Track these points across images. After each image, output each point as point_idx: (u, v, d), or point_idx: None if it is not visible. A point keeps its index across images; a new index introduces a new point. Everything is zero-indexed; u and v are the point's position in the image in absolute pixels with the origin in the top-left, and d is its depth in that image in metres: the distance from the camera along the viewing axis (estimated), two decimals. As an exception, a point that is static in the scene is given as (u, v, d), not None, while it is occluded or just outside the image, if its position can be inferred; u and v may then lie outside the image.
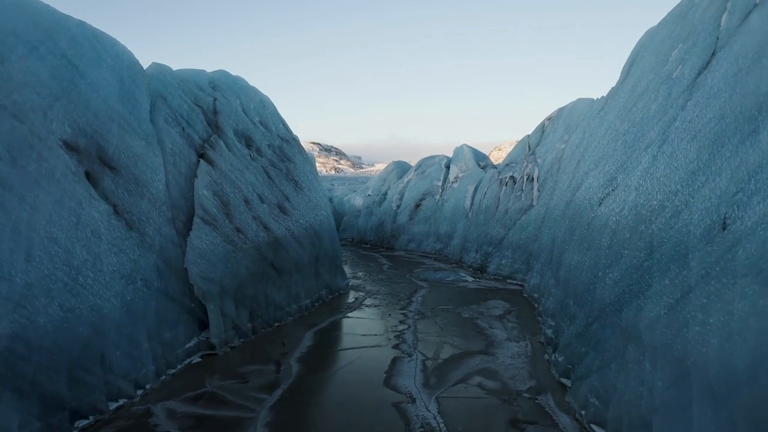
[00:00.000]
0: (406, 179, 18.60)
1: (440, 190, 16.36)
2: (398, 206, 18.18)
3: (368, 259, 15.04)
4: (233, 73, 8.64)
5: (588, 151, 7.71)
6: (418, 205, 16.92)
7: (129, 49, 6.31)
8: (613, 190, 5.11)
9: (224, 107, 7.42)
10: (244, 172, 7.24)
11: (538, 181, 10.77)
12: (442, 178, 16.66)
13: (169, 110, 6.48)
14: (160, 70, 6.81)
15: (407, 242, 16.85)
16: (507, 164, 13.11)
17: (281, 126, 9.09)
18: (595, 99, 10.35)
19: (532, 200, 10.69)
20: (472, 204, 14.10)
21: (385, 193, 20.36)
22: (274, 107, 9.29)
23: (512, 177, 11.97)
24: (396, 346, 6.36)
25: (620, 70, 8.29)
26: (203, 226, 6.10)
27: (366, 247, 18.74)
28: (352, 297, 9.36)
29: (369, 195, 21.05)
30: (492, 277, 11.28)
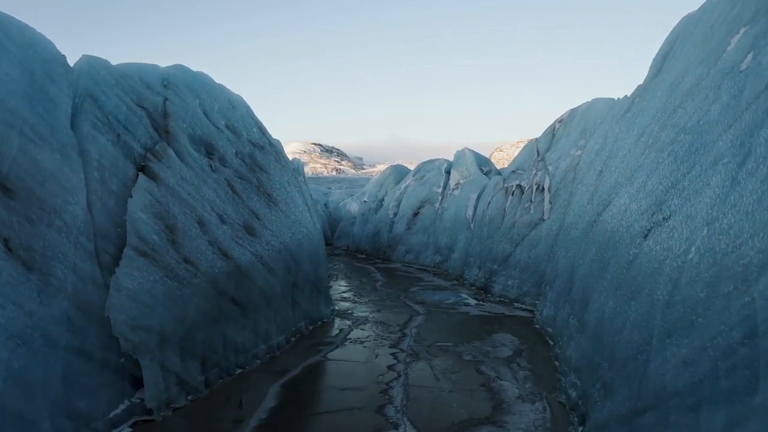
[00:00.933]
0: (403, 185, 17.33)
1: (440, 198, 15.09)
2: (395, 214, 16.92)
3: (361, 272, 13.79)
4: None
5: (614, 160, 6.45)
6: (416, 214, 15.66)
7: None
8: (664, 219, 3.84)
9: (178, 109, 6.17)
10: (201, 187, 5.99)
11: (549, 191, 9.50)
12: (442, 184, 15.39)
13: (99, 113, 5.22)
14: (92, 64, 5.53)
15: (405, 253, 15.60)
16: (513, 171, 11.83)
17: (255, 130, 7.82)
18: (615, 99, 9.08)
19: (543, 213, 9.42)
20: (474, 214, 12.83)
21: (382, 200, 19.10)
22: (248, 108, 8.03)
23: (519, 186, 10.69)
24: (380, 409, 5.09)
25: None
26: (137, 258, 4.84)
27: (361, 257, 17.49)
28: (336, 327, 8.11)
29: (365, 201, 19.80)
30: (497, 299, 10.01)
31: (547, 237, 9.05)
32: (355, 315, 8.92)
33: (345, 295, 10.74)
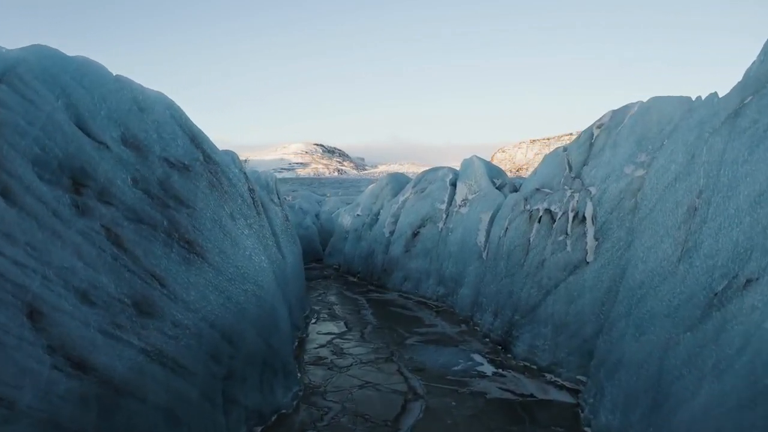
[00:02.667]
0: (401, 198, 14.87)
1: (444, 216, 12.62)
2: (392, 233, 14.47)
3: (350, 307, 11.34)
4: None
5: (730, 195, 4.01)
6: (415, 234, 13.19)
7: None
8: None
9: (11, 114, 3.77)
10: (48, 247, 3.60)
11: (594, 223, 7.03)
12: (446, 199, 12.91)
13: None
14: None
15: (402, 281, 13.14)
16: (537, 189, 9.37)
17: (179, 142, 5.37)
18: (691, 98, 6.63)
19: (586, 253, 6.96)
20: (487, 241, 10.36)
21: (377, 214, 16.65)
22: (172, 111, 5.56)
23: (548, 211, 8.22)
24: None
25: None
26: None
27: (352, 281, 15.04)
28: (295, 428, 5.64)
29: (358, 215, 17.33)
30: (521, 364, 7.53)
31: (595, 288, 6.58)
32: (328, 397, 6.44)
33: (322, 352, 8.27)
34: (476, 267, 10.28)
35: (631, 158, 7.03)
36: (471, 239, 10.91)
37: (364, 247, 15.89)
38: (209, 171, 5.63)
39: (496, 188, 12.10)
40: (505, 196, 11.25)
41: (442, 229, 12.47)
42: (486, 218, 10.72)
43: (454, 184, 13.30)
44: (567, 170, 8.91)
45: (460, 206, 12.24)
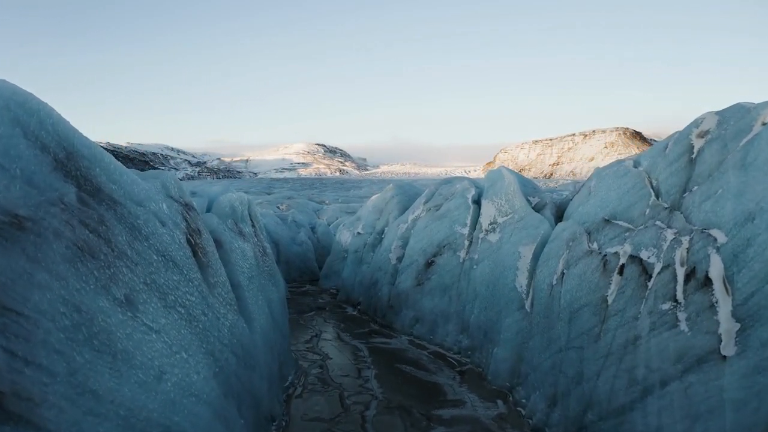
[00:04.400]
0: (411, 216, 12.29)
1: (466, 243, 10.03)
2: (399, 259, 11.90)
3: (348, 360, 8.78)
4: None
5: None
6: (429, 263, 10.61)
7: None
8: None
9: None
10: None
11: (729, 291, 4.45)
12: (468, 221, 10.32)
13: None
14: None
15: (413, 322, 10.57)
16: (606, 220, 6.77)
17: (17, 170, 2.86)
18: None
19: (718, 339, 4.39)
20: (531, 285, 7.78)
21: (382, 232, 14.09)
22: (16, 109, 3.09)
23: (636, 258, 5.65)
24: None
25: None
26: None
27: (351, 315, 12.48)
28: None
29: (359, 233, 14.75)
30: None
31: (743, 406, 4.00)
32: None
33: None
34: (516, 320, 7.69)
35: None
36: (506, 279, 8.32)
37: (365, 272, 13.33)
38: (84, 221, 3.06)
39: (532, 207, 9.50)
40: (550, 222, 8.67)
41: (464, 260, 9.87)
42: (527, 253, 8.13)
43: (477, 202, 10.71)
44: (652, 196, 6.32)
45: (487, 231, 9.65)
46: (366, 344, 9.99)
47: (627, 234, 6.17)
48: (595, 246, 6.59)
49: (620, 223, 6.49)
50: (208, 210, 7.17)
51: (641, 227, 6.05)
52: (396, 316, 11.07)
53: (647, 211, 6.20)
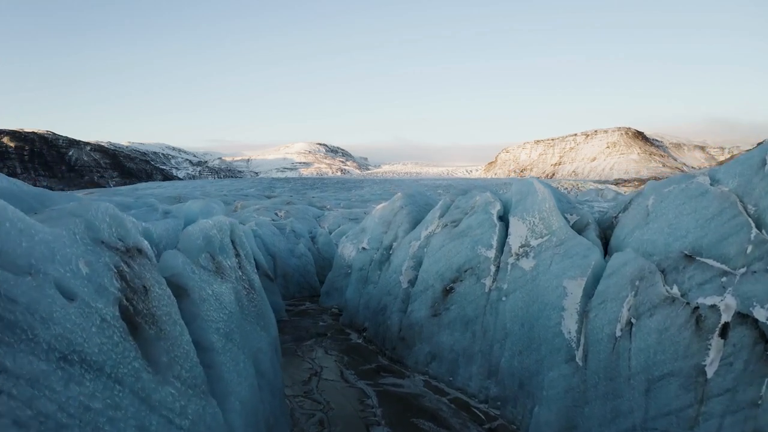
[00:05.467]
0: (423, 232, 10.79)
1: (492, 269, 8.54)
2: (411, 282, 10.41)
3: (351, 410, 7.25)
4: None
5: None
6: (448, 290, 9.13)
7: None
8: None
9: None
10: None
11: None
12: (494, 242, 8.82)
13: None
14: None
15: (429, 358, 9.09)
16: (687, 256, 5.25)
17: None
18: None
19: None
20: (583, 332, 6.28)
21: (390, 248, 12.59)
22: None
23: (744, 316, 4.16)
24: None
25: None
26: None
27: (355, 344, 11.00)
28: None
29: (363, 248, 13.25)
30: None
31: None
32: None
33: None
34: (564, 375, 6.18)
35: None
36: (547, 319, 6.82)
37: (372, 294, 11.85)
38: None
39: (572, 227, 8.00)
40: (598, 247, 7.17)
41: (490, 289, 8.37)
42: (574, 289, 6.62)
43: (503, 218, 9.22)
44: (753, 229, 4.80)
45: (518, 256, 8.15)
46: (374, 387, 8.50)
47: (725, 279, 4.66)
48: (675, 290, 5.09)
49: (710, 262, 4.98)
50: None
51: (745, 271, 4.55)
52: (408, 350, 9.58)
53: (749, 248, 4.69)
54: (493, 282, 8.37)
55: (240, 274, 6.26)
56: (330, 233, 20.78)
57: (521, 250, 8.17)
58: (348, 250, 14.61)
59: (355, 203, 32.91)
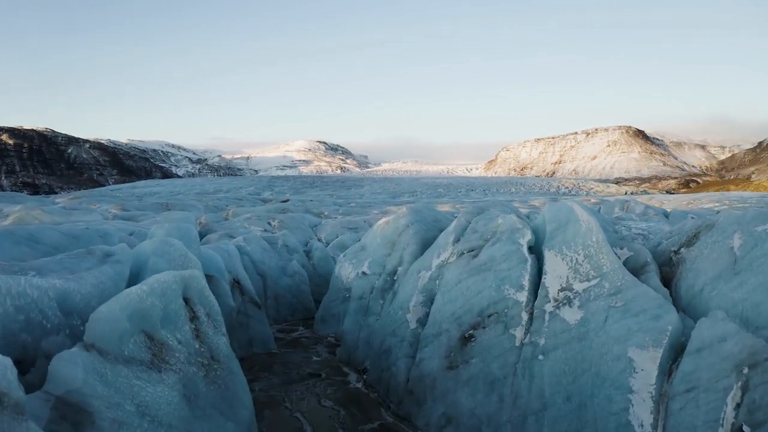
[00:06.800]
0: (434, 260, 9.14)
1: (525, 316, 6.89)
2: (421, 321, 8.76)
3: None
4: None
5: None
6: (468, 338, 7.48)
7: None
8: None
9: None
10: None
11: None
12: (525, 282, 7.15)
13: None
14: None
15: (443, 421, 7.44)
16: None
17: None
18: None
19: None
20: (664, 427, 4.64)
21: (394, 273, 10.93)
22: None
23: None
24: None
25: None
26: None
27: (355, 389, 9.37)
28: None
29: (364, 273, 11.58)
30: None
31: None
32: None
33: None
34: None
35: None
36: (607, 399, 5.17)
37: (374, 329, 10.21)
38: None
39: (625, 265, 6.34)
40: (671, 303, 5.53)
41: (522, 343, 6.72)
42: (647, 364, 4.96)
43: (533, 249, 7.56)
44: None
45: (557, 303, 6.50)
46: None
47: None
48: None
49: None
50: (138, 277, 4.05)
51: None
52: (418, 407, 7.93)
53: None
54: (525, 334, 6.72)
55: (197, 346, 4.60)
56: (327, 244, 19.15)
57: (562, 295, 6.52)
58: (346, 271, 12.96)
59: (355, 209, 31.25)
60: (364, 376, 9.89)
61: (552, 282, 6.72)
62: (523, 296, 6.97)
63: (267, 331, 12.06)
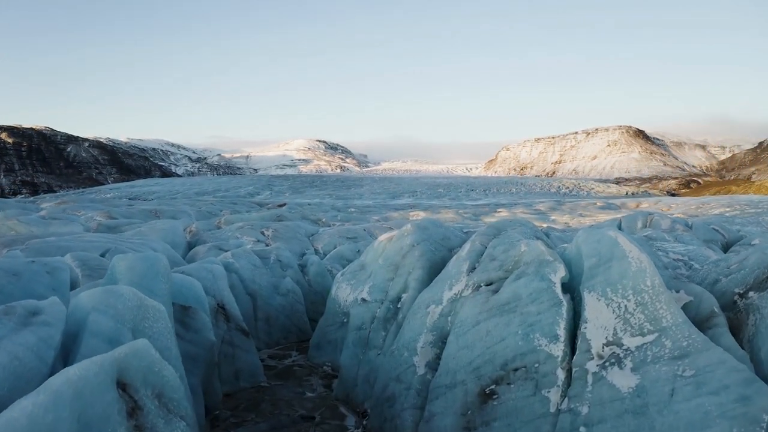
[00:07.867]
0: (447, 293, 7.89)
1: (561, 375, 5.67)
2: (430, 366, 7.52)
3: None
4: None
5: None
6: (488, 394, 6.26)
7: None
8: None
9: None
10: None
11: None
12: (561, 331, 5.92)
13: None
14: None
15: (458, 493, 6.22)
16: None
17: None
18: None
19: None
20: None
21: (398, 300, 9.70)
22: None
23: None
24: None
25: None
26: None
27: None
28: None
29: (364, 300, 10.33)
30: None
31: None
32: None
33: None
34: None
35: None
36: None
37: (375, 366, 8.98)
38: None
39: (685, 312, 5.11)
40: (745, 363, 4.29)
41: (558, 408, 5.47)
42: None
43: (567, 286, 6.32)
44: None
45: (603, 361, 5.26)
46: None
47: None
48: None
49: None
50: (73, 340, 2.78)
51: None
52: (427, 472, 6.69)
53: None
54: (562, 398, 5.48)
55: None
56: (324, 255, 17.93)
57: (608, 351, 5.28)
58: (344, 294, 11.71)
59: (354, 214, 29.99)
60: (364, 422, 8.65)
61: (595, 333, 5.48)
62: (558, 349, 5.72)
63: (255, 362, 10.81)
